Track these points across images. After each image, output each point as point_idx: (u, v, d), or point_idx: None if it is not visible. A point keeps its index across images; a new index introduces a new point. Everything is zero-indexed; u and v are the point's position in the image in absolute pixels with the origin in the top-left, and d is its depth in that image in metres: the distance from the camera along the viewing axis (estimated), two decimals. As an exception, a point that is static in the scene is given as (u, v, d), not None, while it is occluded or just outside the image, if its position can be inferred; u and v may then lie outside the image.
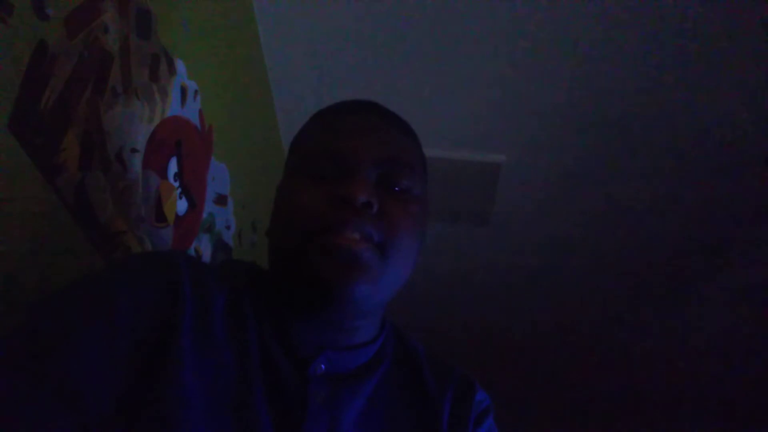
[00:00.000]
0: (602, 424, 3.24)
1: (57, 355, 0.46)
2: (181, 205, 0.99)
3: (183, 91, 0.99)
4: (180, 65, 0.97)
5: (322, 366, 0.57)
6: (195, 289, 0.55)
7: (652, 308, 2.59)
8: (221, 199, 1.21)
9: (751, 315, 2.49)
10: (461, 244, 2.28)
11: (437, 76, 1.64)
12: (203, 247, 1.11)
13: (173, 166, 0.95)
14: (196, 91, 1.04)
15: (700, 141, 1.75)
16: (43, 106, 0.62)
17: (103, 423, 0.46)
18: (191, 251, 1.05)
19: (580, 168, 1.91)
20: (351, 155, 0.59)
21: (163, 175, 0.92)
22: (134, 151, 0.82)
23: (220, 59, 1.22)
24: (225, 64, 1.26)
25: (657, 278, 2.41)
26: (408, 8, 1.46)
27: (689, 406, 3.07)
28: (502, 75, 1.61)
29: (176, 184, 0.97)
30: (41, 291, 0.63)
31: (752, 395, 2.87)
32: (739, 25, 1.40)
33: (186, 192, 1.00)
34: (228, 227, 1.26)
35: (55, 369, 0.45)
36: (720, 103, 1.62)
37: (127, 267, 0.55)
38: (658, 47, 1.49)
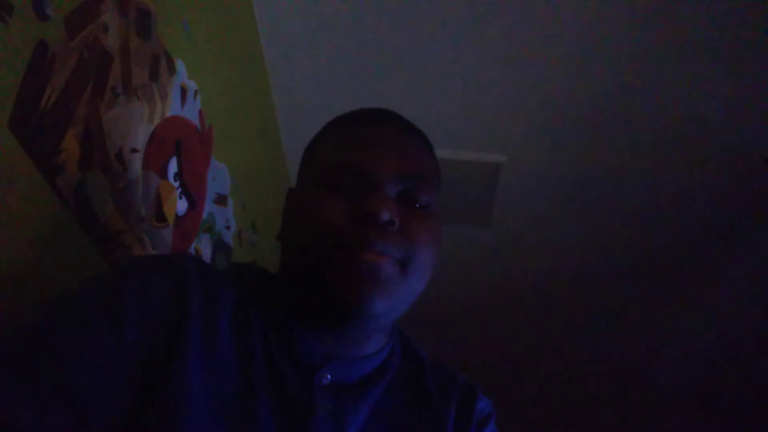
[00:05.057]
0: (603, 426, 3.24)
1: (63, 363, 0.46)
2: (181, 205, 0.99)
3: (183, 91, 0.99)
4: (180, 65, 0.97)
5: (328, 376, 0.57)
6: (203, 296, 0.55)
7: (654, 308, 2.59)
8: (221, 199, 1.21)
9: (752, 315, 2.49)
10: (461, 245, 2.28)
11: (437, 76, 1.64)
12: (203, 247, 1.11)
13: (173, 166, 0.95)
14: (196, 91, 1.04)
15: (701, 141, 1.75)
16: (43, 106, 0.62)
17: (106, 428, 0.46)
18: (191, 251, 1.05)
19: (581, 168, 1.91)
20: (373, 170, 0.58)
21: (163, 175, 0.92)
22: (134, 151, 0.82)
23: (220, 59, 1.22)
24: (225, 64, 1.26)
25: (656, 278, 2.41)
26: (408, 8, 1.46)
27: (693, 407, 3.07)
28: (502, 75, 1.61)
29: (176, 184, 0.97)
30: (42, 291, 0.63)
31: (755, 396, 2.87)
32: (739, 23, 1.40)
33: (186, 192, 1.00)
34: (228, 227, 1.26)
35: (60, 374, 0.45)
36: (720, 102, 1.62)
37: (135, 271, 0.54)
38: (659, 47, 1.49)
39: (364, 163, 0.59)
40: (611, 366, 2.97)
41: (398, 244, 0.56)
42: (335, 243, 0.55)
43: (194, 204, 1.05)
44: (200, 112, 1.07)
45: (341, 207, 0.57)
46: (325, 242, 0.56)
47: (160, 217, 0.91)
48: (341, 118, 0.68)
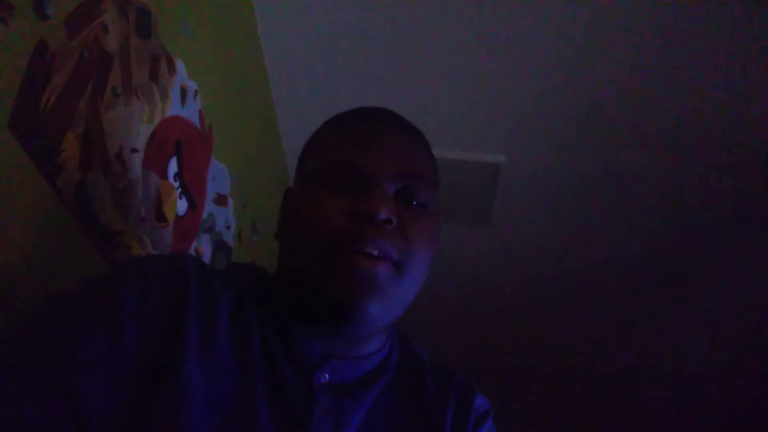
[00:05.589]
0: (601, 425, 3.24)
1: (61, 360, 0.46)
2: (181, 205, 0.99)
3: (183, 91, 0.99)
4: (180, 65, 0.97)
5: (327, 376, 0.57)
6: (202, 296, 0.55)
7: (652, 308, 2.59)
8: (221, 199, 1.21)
9: (750, 315, 2.49)
10: (461, 244, 2.28)
11: (437, 76, 1.64)
12: (203, 247, 1.11)
13: (173, 166, 0.95)
14: (196, 91, 1.04)
15: (701, 140, 1.75)
16: (43, 106, 0.62)
17: (104, 427, 0.46)
18: (191, 251, 1.05)
19: (580, 168, 1.91)
20: (371, 169, 0.58)
21: (163, 175, 0.92)
22: (134, 151, 0.82)
23: (220, 59, 1.22)
24: (225, 64, 1.26)
25: (656, 278, 2.41)
26: (408, 8, 1.46)
27: (689, 408, 3.07)
28: (502, 75, 1.61)
29: (176, 184, 0.97)
30: (41, 291, 0.63)
31: (752, 396, 2.87)
32: (739, 23, 1.40)
33: (186, 192, 1.00)
34: (228, 227, 1.26)
35: (59, 374, 0.45)
36: (721, 102, 1.62)
37: (135, 271, 0.54)
38: (659, 48, 1.49)
39: (362, 161, 0.59)
40: (611, 365, 2.97)
41: (395, 243, 0.56)
42: (332, 243, 0.55)
43: (194, 204, 1.05)
44: (200, 112, 1.07)
45: (338, 206, 0.57)
46: (322, 242, 0.56)
47: (160, 217, 0.91)
48: (339, 116, 0.68)
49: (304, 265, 0.57)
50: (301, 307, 0.58)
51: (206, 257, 1.13)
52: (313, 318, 0.58)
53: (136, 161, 0.83)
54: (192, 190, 1.03)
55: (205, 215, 1.11)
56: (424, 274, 0.61)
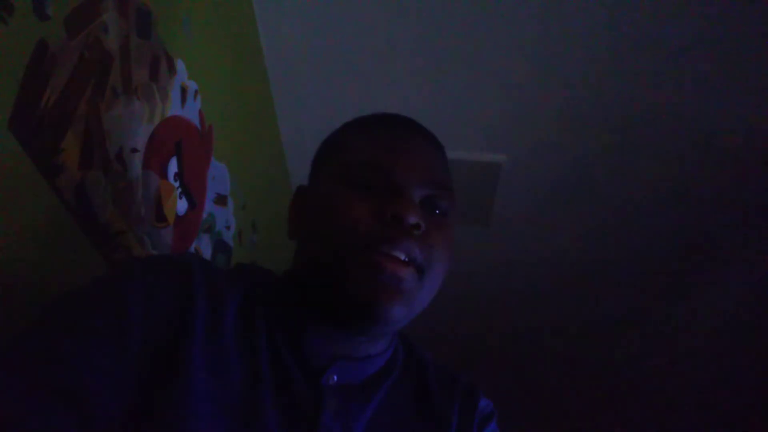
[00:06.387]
0: (603, 424, 3.24)
1: (67, 362, 0.46)
2: (181, 205, 0.99)
3: (183, 91, 0.99)
4: (180, 65, 0.97)
5: (335, 377, 0.57)
6: (208, 297, 0.55)
7: (653, 307, 2.59)
8: (221, 199, 1.21)
9: (750, 314, 2.49)
10: (461, 244, 2.28)
11: (437, 76, 1.64)
12: (203, 247, 1.11)
13: (173, 166, 0.95)
14: (196, 91, 1.04)
15: (701, 140, 1.75)
16: (43, 106, 0.62)
17: (109, 428, 0.46)
18: (191, 251, 1.05)
19: (581, 168, 1.91)
20: (401, 174, 0.59)
21: (163, 175, 0.92)
22: (134, 151, 0.82)
23: (220, 59, 1.22)
24: (225, 64, 1.26)
25: (657, 278, 2.41)
26: (409, 9, 1.46)
27: (689, 405, 3.07)
28: (502, 75, 1.61)
29: (176, 184, 0.97)
30: (41, 291, 0.63)
31: (752, 394, 2.86)
32: (741, 25, 1.40)
33: (186, 192, 1.00)
34: (228, 227, 1.26)
35: (64, 375, 0.45)
36: (721, 103, 1.62)
37: (140, 272, 0.54)
38: (660, 48, 1.49)
39: (394, 165, 0.59)
40: (610, 366, 2.97)
41: (420, 249, 0.57)
42: (359, 243, 0.55)
43: (194, 204, 1.05)
44: (200, 112, 1.07)
45: (367, 207, 0.57)
46: (348, 241, 0.56)
47: (160, 217, 0.91)
48: (363, 120, 0.69)
49: (328, 264, 0.57)
50: (317, 307, 0.58)
51: (206, 257, 1.13)
52: (331, 318, 0.58)
53: (136, 161, 0.83)
54: (192, 190, 1.03)
55: (205, 215, 1.11)
56: (441, 282, 0.62)
